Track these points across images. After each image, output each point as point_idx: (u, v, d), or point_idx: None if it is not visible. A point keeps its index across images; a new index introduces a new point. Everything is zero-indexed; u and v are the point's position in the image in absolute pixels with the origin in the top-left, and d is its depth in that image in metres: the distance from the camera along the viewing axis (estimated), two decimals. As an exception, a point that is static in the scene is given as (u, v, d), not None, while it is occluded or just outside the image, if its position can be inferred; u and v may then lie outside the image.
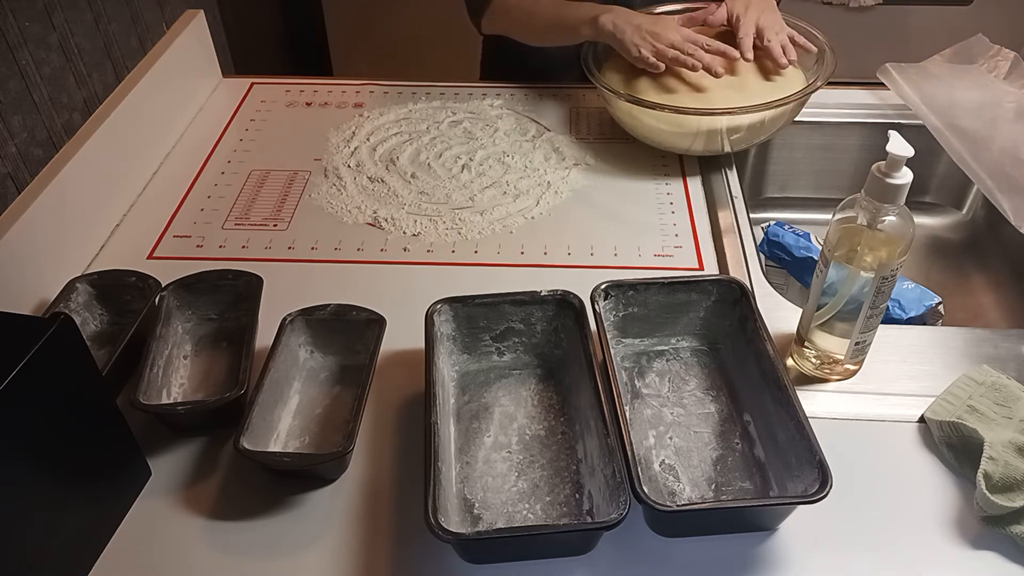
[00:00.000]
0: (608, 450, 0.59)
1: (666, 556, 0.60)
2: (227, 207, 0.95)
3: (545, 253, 0.88)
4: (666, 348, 0.75)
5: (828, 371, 0.73)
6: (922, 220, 1.14)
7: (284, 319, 0.72)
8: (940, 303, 0.89)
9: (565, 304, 0.71)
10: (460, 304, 0.71)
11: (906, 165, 0.60)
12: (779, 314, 0.79)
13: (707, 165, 1.01)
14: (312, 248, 0.89)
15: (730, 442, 0.67)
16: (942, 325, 0.90)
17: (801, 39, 0.99)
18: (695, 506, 0.62)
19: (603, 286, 0.72)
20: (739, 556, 0.60)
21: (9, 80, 0.88)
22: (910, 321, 0.87)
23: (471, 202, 0.95)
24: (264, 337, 0.72)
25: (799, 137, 1.12)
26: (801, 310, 0.74)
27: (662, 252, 0.88)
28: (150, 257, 0.88)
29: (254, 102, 1.15)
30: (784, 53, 0.96)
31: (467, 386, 0.72)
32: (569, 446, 0.67)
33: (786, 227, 1.00)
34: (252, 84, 1.19)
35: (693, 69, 0.93)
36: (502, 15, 1.11)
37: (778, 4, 1.05)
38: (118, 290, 0.77)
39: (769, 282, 0.84)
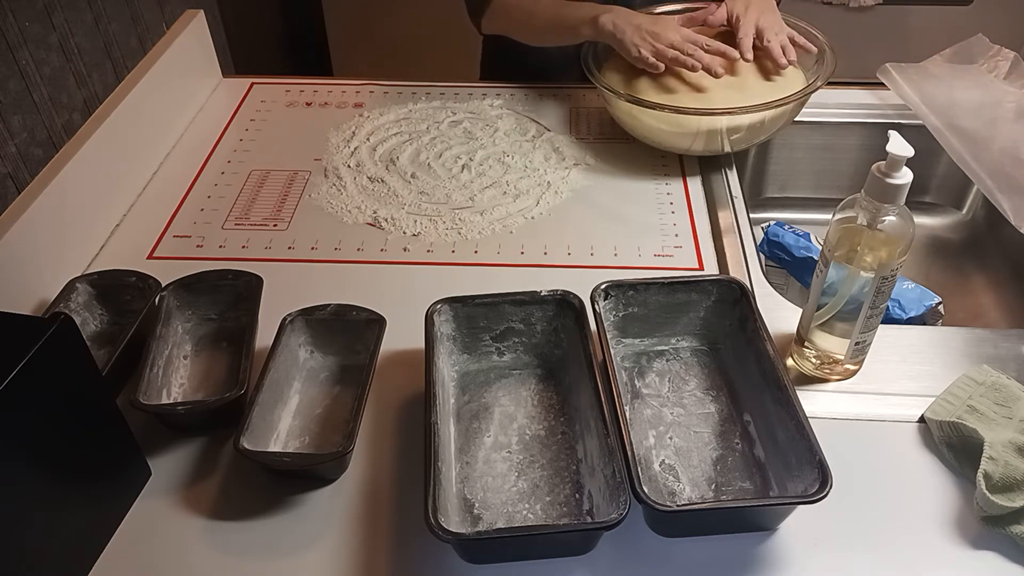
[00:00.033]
0: (608, 450, 0.59)
1: (666, 556, 0.60)
2: (227, 207, 0.95)
3: (545, 253, 0.88)
4: (666, 348, 0.75)
5: (828, 371, 0.73)
6: (922, 220, 1.14)
7: (284, 319, 0.72)
8: (940, 303, 0.89)
9: (565, 304, 0.71)
10: (460, 304, 0.71)
11: (906, 165, 0.60)
12: (779, 314, 0.79)
13: (707, 165, 1.01)
14: (312, 248, 0.89)
15: (730, 442, 0.67)
16: (942, 325, 0.90)
17: (801, 39, 0.99)
18: (695, 506, 0.62)
19: (603, 286, 0.72)
20: (739, 556, 0.60)
21: (9, 80, 0.88)
22: (910, 321, 0.87)
23: (471, 202, 0.95)
24: (264, 337, 0.72)
25: (799, 137, 1.12)
26: (801, 310, 0.74)
27: (662, 252, 0.89)
28: (150, 257, 0.88)
29: (254, 102, 1.15)
30: (784, 53, 0.96)
31: (467, 386, 0.72)
32: (569, 446, 0.67)
33: (786, 227, 1.00)
34: (252, 84, 1.19)
35: (693, 69, 0.93)
36: (502, 15, 1.11)
37: (778, 4, 1.05)
38: (118, 290, 0.77)
39: (769, 282, 0.84)
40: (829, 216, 0.66)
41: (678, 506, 0.59)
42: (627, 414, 0.65)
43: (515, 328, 0.73)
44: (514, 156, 1.02)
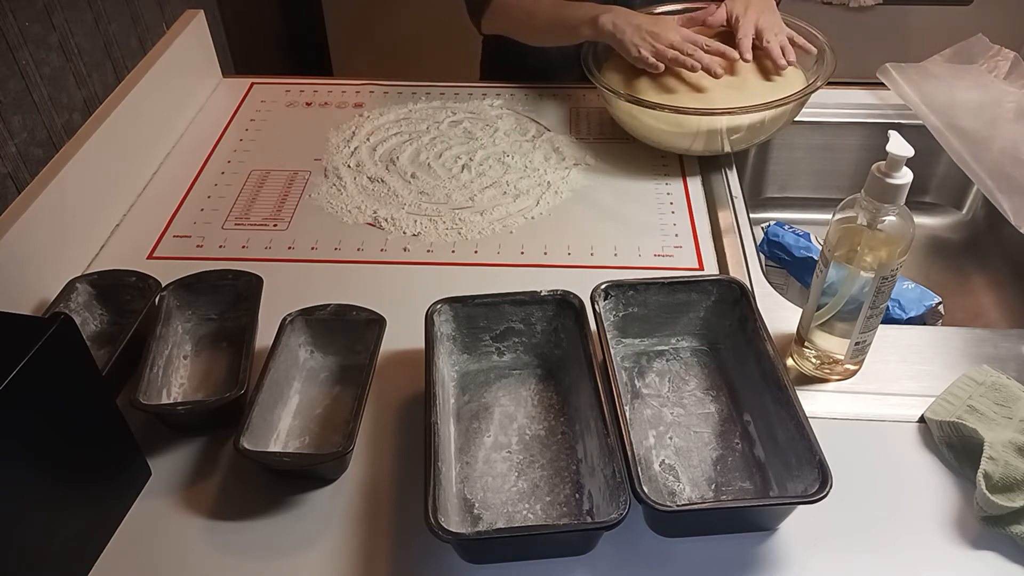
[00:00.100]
0: (608, 450, 0.59)
1: (666, 556, 0.60)
2: (227, 207, 0.95)
3: (545, 253, 0.88)
4: (666, 348, 0.75)
5: (828, 371, 0.73)
6: (922, 220, 1.14)
7: (284, 319, 0.72)
8: (940, 303, 0.89)
9: (565, 304, 0.71)
10: (460, 304, 0.71)
11: (906, 165, 0.60)
12: (779, 314, 0.79)
13: (707, 165, 1.01)
14: (312, 248, 0.89)
15: (730, 442, 0.67)
16: (942, 325, 0.90)
17: (801, 40, 0.99)
18: (695, 506, 0.62)
19: (603, 286, 0.72)
20: (739, 556, 0.60)
21: (9, 80, 0.88)
22: (910, 321, 0.87)
23: (471, 202, 0.95)
24: (264, 337, 0.72)
25: (799, 137, 1.12)
26: (801, 310, 0.74)
27: (662, 252, 0.89)
28: (150, 257, 0.88)
29: (254, 102, 1.15)
30: (783, 54, 0.96)
31: (467, 386, 0.72)
32: (569, 446, 0.67)
33: (786, 227, 1.00)
34: (252, 84, 1.19)
35: (692, 70, 0.93)
36: (502, 15, 1.11)
37: (778, 4, 1.05)
38: (118, 290, 0.77)
39: (769, 282, 0.84)
40: (829, 216, 0.66)
41: (678, 506, 0.59)
42: (627, 414, 0.65)
43: (515, 328, 0.73)
44: (514, 156, 1.02)
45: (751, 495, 0.63)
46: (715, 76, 0.93)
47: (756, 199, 1.17)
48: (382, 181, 0.99)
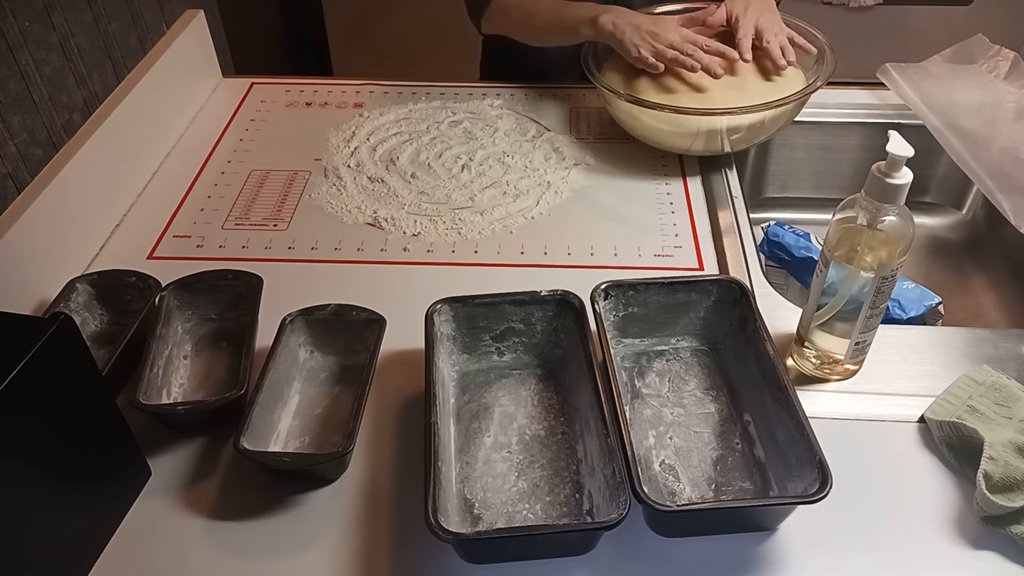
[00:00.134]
0: (608, 450, 0.59)
1: (666, 556, 0.60)
2: (227, 207, 0.95)
3: (545, 253, 0.88)
4: (666, 348, 0.75)
5: (828, 371, 0.73)
6: (922, 220, 1.14)
7: (284, 319, 0.72)
8: (940, 303, 0.89)
9: (565, 304, 0.71)
10: (460, 304, 0.71)
11: (906, 165, 0.60)
12: (779, 314, 0.79)
13: (707, 165, 1.01)
14: (312, 248, 0.89)
15: (730, 442, 0.67)
16: (942, 325, 0.90)
17: (800, 40, 0.99)
18: (695, 506, 0.62)
19: (603, 286, 0.72)
20: (739, 556, 0.60)
21: (9, 80, 0.88)
22: (910, 321, 0.87)
23: (471, 202, 0.95)
24: (264, 337, 0.72)
25: (799, 137, 1.12)
26: (801, 310, 0.74)
27: (662, 252, 0.89)
28: (150, 257, 0.88)
29: (254, 102, 1.15)
30: (783, 54, 0.96)
31: (467, 386, 0.72)
32: (569, 446, 0.67)
33: (786, 227, 1.00)
34: (252, 84, 1.19)
35: (692, 70, 0.93)
36: (502, 15, 1.11)
37: (778, 4, 1.05)
38: (118, 290, 0.77)
39: (769, 282, 0.84)
40: (829, 216, 0.66)
41: (678, 506, 0.59)
42: (627, 414, 0.65)
43: (515, 328, 0.73)
44: (514, 156, 1.02)
45: (751, 495, 0.63)
46: (715, 76, 0.93)
47: (756, 199, 1.17)
48: (382, 181, 0.99)
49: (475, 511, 0.62)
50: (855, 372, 0.74)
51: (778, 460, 0.63)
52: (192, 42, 1.12)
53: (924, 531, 0.62)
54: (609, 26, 0.97)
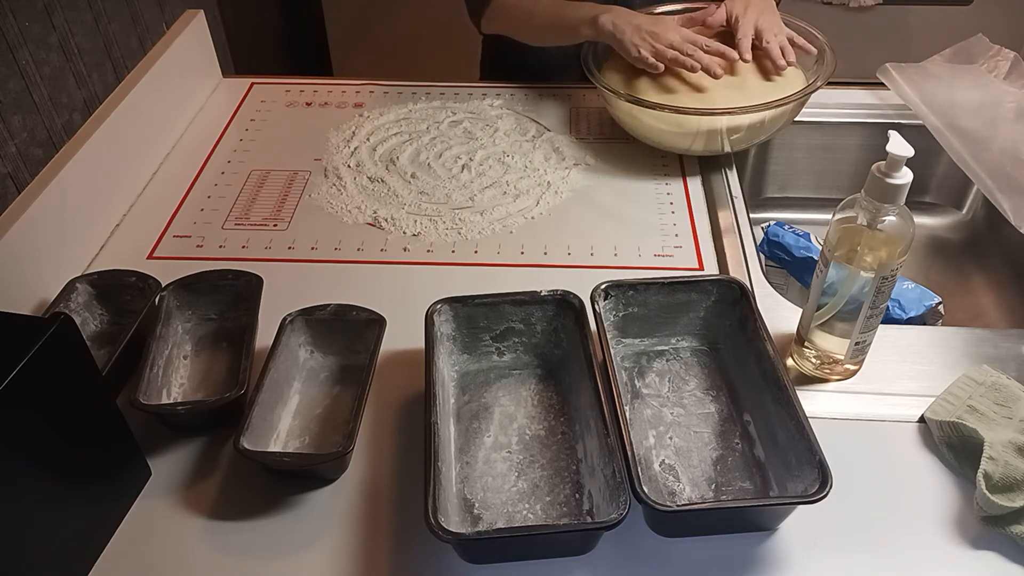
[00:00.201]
0: (608, 450, 0.59)
1: (666, 556, 0.60)
2: (227, 207, 0.95)
3: (545, 253, 0.88)
4: (666, 348, 0.75)
5: (828, 371, 0.73)
6: (922, 220, 1.14)
7: (284, 319, 0.72)
8: (940, 303, 0.89)
9: (565, 304, 0.71)
10: (460, 304, 0.71)
11: (906, 165, 0.60)
12: (779, 314, 0.79)
13: (707, 165, 1.01)
14: (312, 248, 0.89)
15: (730, 442, 0.67)
16: (942, 325, 0.90)
17: (800, 40, 0.99)
18: (695, 506, 0.62)
19: (603, 286, 0.72)
20: (739, 556, 0.60)
21: (9, 80, 0.88)
22: (910, 321, 0.87)
23: (471, 202, 0.95)
24: (264, 337, 0.72)
25: (799, 137, 1.12)
26: (801, 310, 0.74)
27: (662, 252, 0.89)
28: (150, 257, 0.88)
29: (254, 102, 1.15)
30: (783, 54, 0.96)
31: (467, 386, 0.72)
32: (569, 446, 0.67)
33: (786, 227, 1.00)
34: (252, 84, 1.19)
35: (692, 70, 0.93)
36: (502, 15, 1.11)
37: (778, 4, 1.05)
38: (118, 290, 0.77)
39: (769, 282, 0.84)
40: (829, 216, 0.66)
41: (678, 506, 0.59)
42: (627, 414, 0.65)
43: (515, 328, 0.73)
44: (514, 156, 1.02)
45: (751, 495, 0.63)
46: (715, 76, 0.93)
47: (756, 199, 1.17)
48: (382, 181, 0.99)
49: (475, 511, 0.62)
50: (855, 372, 0.74)
51: (778, 460, 0.63)
52: (192, 42, 1.12)
53: (924, 531, 0.62)
54: (609, 26, 0.97)
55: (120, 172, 0.94)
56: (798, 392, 0.64)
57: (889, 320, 0.87)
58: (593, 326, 0.69)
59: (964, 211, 1.16)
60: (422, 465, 0.58)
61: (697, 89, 0.95)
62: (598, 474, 0.60)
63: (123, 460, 0.64)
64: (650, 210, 0.95)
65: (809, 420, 0.61)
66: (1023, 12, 1.86)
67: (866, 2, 1.86)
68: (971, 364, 0.74)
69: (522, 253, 0.88)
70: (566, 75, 1.16)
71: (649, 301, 0.73)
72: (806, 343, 0.72)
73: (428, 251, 0.89)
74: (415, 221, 0.92)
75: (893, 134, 0.60)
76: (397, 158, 1.03)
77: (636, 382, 0.72)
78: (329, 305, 0.73)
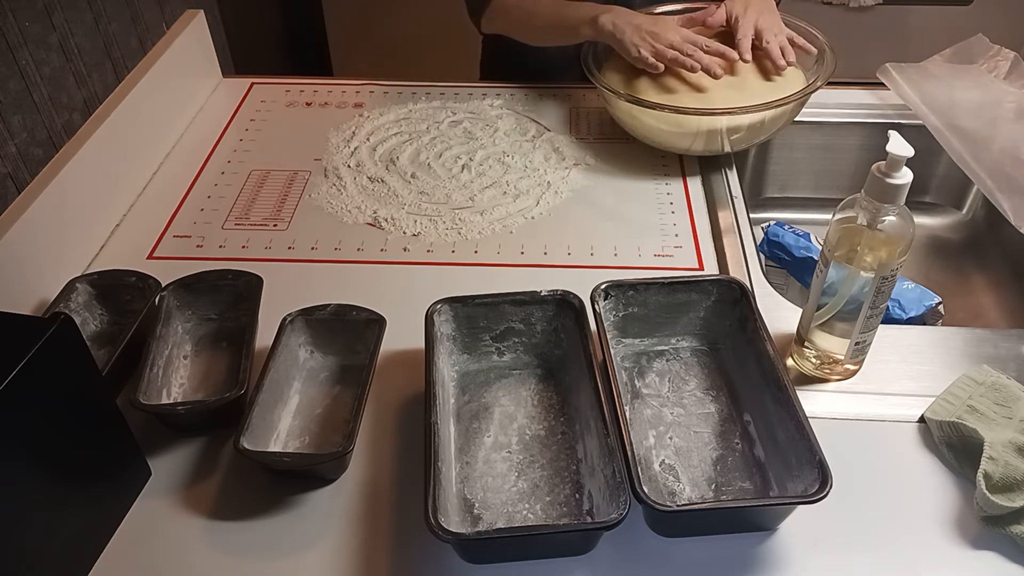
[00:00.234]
0: (608, 450, 0.59)
1: (666, 556, 0.60)
2: (227, 207, 0.95)
3: (545, 253, 0.88)
4: (666, 348, 0.75)
5: (828, 371, 0.73)
6: (922, 220, 1.14)
7: (284, 319, 0.72)
8: (940, 303, 0.89)
9: (565, 304, 0.71)
10: (460, 304, 0.71)
11: (906, 165, 0.60)
12: (779, 314, 0.79)
13: (707, 165, 1.01)
14: (312, 248, 0.89)
15: (730, 442, 0.67)
16: (942, 325, 0.90)
17: (800, 40, 0.99)
18: (695, 506, 0.62)
19: (603, 286, 0.72)
20: (739, 556, 0.60)
21: (9, 80, 0.88)
22: (910, 321, 0.87)
23: (471, 202, 0.95)
24: (264, 337, 0.72)
25: (799, 137, 1.12)
26: (801, 310, 0.74)
27: (662, 252, 0.89)
28: (150, 257, 0.88)
29: (254, 102, 1.15)
30: (783, 54, 0.96)
31: (467, 386, 0.72)
32: (569, 446, 0.67)
33: (786, 227, 1.00)
34: (252, 84, 1.19)
35: (692, 70, 0.93)
36: (502, 15, 1.11)
37: (778, 4, 1.05)
38: (118, 290, 0.77)
39: (769, 282, 0.84)
40: (829, 216, 0.66)
41: (678, 506, 0.59)
42: (627, 414, 0.65)
43: (515, 328, 0.73)
44: (514, 156, 1.02)
45: (751, 495, 0.63)
46: (715, 77, 0.93)
47: (756, 199, 1.17)
48: (382, 181, 0.99)
49: (475, 511, 0.62)
50: (855, 372, 0.74)
51: (778, 460, 0.63)
52: (192, 42, 1.12)
53: (924, 531, 0.62)
54: (609, 26, 0.97)
55: (120, 172, 0.94)
56: (798, 392, 0.64)
57: (889, 320, 0.87)
58: (593, 326, 0.69)
59: (964, 211, 1.16)
60: (422, 465, 0.58)
61: (697, 89, 0.95)
62: (598, 474, 0.60)
63: (123, 460, 0.64)
64: (650, 210, 0.95)
65: (809, 420, 0.61)
66: (1023, 12, 1.86)
67: (866, 2, 1.86)
68: (971, 364, 0.74)
69: (522, 253, 0.88)
70: (566, 75, 1.16)
71: (649, 301, 0.73)
72: (806, 343, 0.72)
73: (428, 251, 0.89)
74: (415, 221, 0.92)
75: (893, 134, 0.60)
76: (397, 158, 1.03)
77: (636, 382, 0.72)
78: (329, 305, 0.73)
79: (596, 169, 1.01)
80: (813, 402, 0.71)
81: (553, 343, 0.73)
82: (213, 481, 0.66)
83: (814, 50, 0.99)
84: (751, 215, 0.94)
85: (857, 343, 0.69)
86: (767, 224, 1.02)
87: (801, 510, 0.59)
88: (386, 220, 0.92)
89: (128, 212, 0.95)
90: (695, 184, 0.99)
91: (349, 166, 1.01)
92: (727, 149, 0.99)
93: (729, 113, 0.92)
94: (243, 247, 0.89)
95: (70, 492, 0.58)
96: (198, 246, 0.89)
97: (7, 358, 0.50)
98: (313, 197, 0.97)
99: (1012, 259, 1.04)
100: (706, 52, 0.94)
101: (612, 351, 0.68)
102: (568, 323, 0.71)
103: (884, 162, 0.60)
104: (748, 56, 0.95)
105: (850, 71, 1.21)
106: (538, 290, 0.72)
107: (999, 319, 1.01)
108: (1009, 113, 1.06)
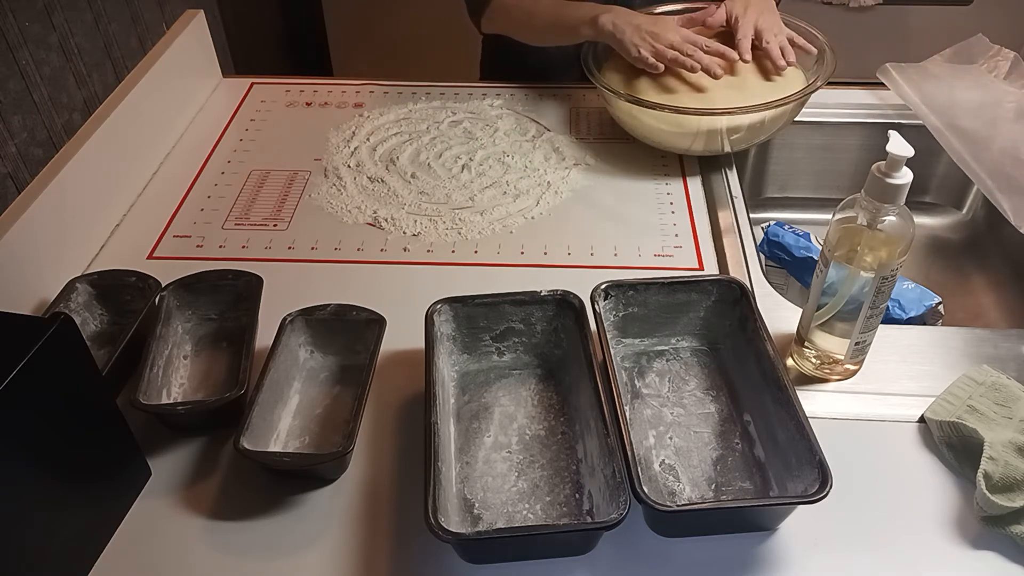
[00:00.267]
0: (608, 450, 0.59)
1: (666, 556, 0.60)
2: (227, 207, 0.95)
3: (545, 253, 0.88)
4: (666, 348, 0.75)
5: (828, 371, 0.73)
6: (922, 220, 1.14)
7: (284, 319, 0.72)
8: (940, 303, 0.89)
9: (565, 304, 0.71)
10: (460, 304, 0.71)
11: (906, 165, 0.60)
12: (779, 314, 0.79)
13: (707, 165, 1.01)
14: (312, 248, 0.89)
15: (730, 442, 0.67)
16: (942, 325, 0.90)
17: (800, 40, 0.99)
18: (695, 506, 0.62)
19: (603, 286, 0.72)
20: (739, 556, 0.60)
21: (9, 80, 0.88)
22: (910, 321, 0.87)
23: (471, 202, 0.95)
24: (264, 337, 0.72)
25: (799, 137, 1.12)
26: (801, 310, 0.74)
27: (662, 252, 0.89)
28: (150, 257, 0.88)
29: (254, 102, 1.15)
30: (783, 55, 0.96)
31: (467, 386, 0.72)
32: (569, 446, 0.67)
33: (786, 227, 1.00)
34: (252, 84, 1.19)
35: (692, 70, 0.93)
36: (502, 15, 1.11)
37: (778, 5, 1.05)
38: (118, 290, 0.77)
39: (769, 282, 0.84)
40: (829, 216, 0.66)
41: (678, 506, 0.59)
42: (627, 414, 0.65)
43: (515, 328, 0.73)
44: (514, 156, 1.02)
45: (751, 495, 0.63)
46: (715, 77, 0.93)
47: (756, 199, 1.17)
48: (382, 181, 0.99)
49: (475, 511, 0.62)
50: (855, 372, 0.74)
51: (778, 460, 0.63)
52: (192, 42, 1.12)
53: (924, 531, 0.62)
54: (609, 26, 0.97)
55: (120, 172, 0.94)
56: (798, 392, 0.64)
57: (889, 320, 0.87)
58: (593, 326, 0.69)
59: (964, 211, 1.16)
60: (422, 465, 0.58)
61: (697, 89, 0.95)
62: (598, 474, 0.60)
63: (123, 460, 0.64)
64: (650, 210, 0.95)
65: (809, 420, 0.61)
66: (1023, 12, 1.86)
67: (866, 2, 1.86)
68: (971, 364, 0.74)
69: (522, 253, 0.88)
70: (566, 75, 1.16)
71: (649, 301, 0.73)
72: (806, 343, 0.72)
73: (428, 251, 0.89)
74: (415, 221, 0.92)
75: (893, 134, 0.60)
76: (397, 158, 1.03)
77: (636, 382, 0.72)
78: (329, 305, 0.73)
79: (596, 169, 1.01)
80: (813, 402, 0.71)
81: (553, 343, 0.73)
82: (213, 481, 0.66)
83: (814, 50, 0.99)
84: (751, 215, 0.94)
85: (857, 343, 0.69)
86: (767, 224, 1.02)
87: (801, 510, 0.59)
88: (386, 220, 0.92)
89: (128, 212, 0.95)
90: (695, 184, 0.99)
91: (349, 166, 1.01)
92: (727, 149, 0.99)
93: (729, 113, 0.92)
94: (243, 247, 0.89)
95: (70, 492, 0.58)
96: (198, 246, 0.89)
97: (7, 358, 0.50)
98: (313, 197, 0.97)
99: (1012, 259, 1.04)
100: (706, 52, 0.94)
101: (612, 351, 0.68)
102: (568, 323, 0.71)
103: (884, 162, 0.60)
104: (748, 56, 0.95)
105: (850, 71, 1.21)
106: (538, 290, 0.72)
107: (999, 319, 1.01)
108: (1009, 113, 1.06)
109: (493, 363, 0.74)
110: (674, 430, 0.68)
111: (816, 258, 0.82)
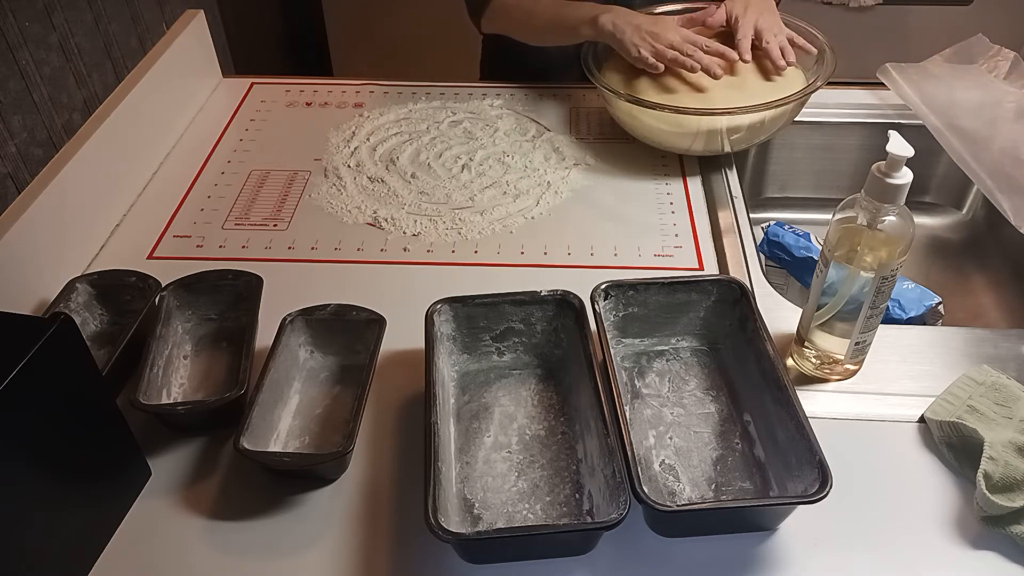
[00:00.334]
0: (608, 450, 0.59)
1: (666, 556, 0.60)
2: (227, 207, 0.95)
3: (545, 253, 0.88)
4: (666, 348, 0.75)
5: (828, 371, 0.73)
6: (922, 220, 1.14)
7: (284, 319, 0.72)
8: (940, 303, 0.89)
9: (565, 304, 0.71)
10: (460, 304, 0.71)
11: (906, 165, 0.60)
12: (779, 314, 0.79)
13: (707, 165, 1.01)
14: (312, 248, 0.89)
15: (730, 442, 0.67)
16: (942, 325, 0.90)
17: (800, 40, 0.99)
18: (695, 506, 0.62)
19: (603, 286, 0.72)
20: (739, 556, 0.60)
21: (9, 80, 0.88)
22: (910, 321, 0.87)
23: (471, 202, 0.95)
24: (264, 337, 0.72)
25: (799, 137, 1.12)
26: (801, 310, 0.74)
27: (662, 252, 0.89)
28: (150, 257, 0.88)
29: (254, 102, 1.15)
30: (783, 55, 0.96)
31: (467, 386, 0.72)
32: (569, 446, 0.67)
33: (786, 227, 1.00)
34: (252, 84, 1.19)
35: (692, 70, 0.93)
36: (502, 15, 1.11)
37: (778, 5, 1.05)
38: (118, 290, 0.77)
39: (769, 282, 0.84)
40: (829, 216, 0.66)
41: (678, 506, 0.59)
42: (627, 414, 0.65)
43: (515, 328, 0.73)
44: (514, 156, 1.02)
45: (751, 495, 0.63)
46: (714, 77, 0.93)
47: (756, 199, 1.17)
48: (382, 181, 0.99)
49: (475, 511, 0.62)
50: (855, 372, 0.74)
51: (778, 460, 0.63)
52: (192, 42, 1.12)
53: (924, 531, 0.62)
54: (609, 26, 0.97)
55: (120, 172, 0.94)
56: (798, 392, 0.64)
57: (889, 320, 0.87)
58: (593, 326, 0.69)
59: (964, 211, 1.16)
60: (422, 465, 0.58)
61: (697, 89, 0.95)
62: (598, 474, 0.60)
63: (123, 460, 0.64)
64: (650, 210, 0.95)
65: (809, 420, 0.61)
66: (1023, 12, 1.86)
67: (866, 2, 1.86)
68: (971, 364, 0.74)
69: (522, 253, 0.88)
70: (566, 75, 1.16)
71: (649, 301, 0.73)
72: (806, 343, 0.72)
73: (428, 251, 0.89)
74: (415, 221, 0.92)
75: (893, 134, 0.60)
76: (397, 158, 1.03)
77: (636, 382, 0.72)
78: (329, 305, 0.73)
79: (596, 169, 1.01)
80: (813, 402, 0.71)
81: (553, 343, 0.73)
82: (213, 481, 0.66)
83: (814, 50, 0.99)
84: (751, 215, 0.94)
85: (857, 343, 0.69)
86: (767, 224, 1.02)
87: (801, 510, 0.59)
88: (386, 220, 0.92)
89: (128, 212, 0.95)
90: (695, 184, 0.99)
91: (349, 166, 1.01)
92: (727, 149, 0.99)
93: (729, 113, 0.92)
94: (243, 247, 0.89)
95: (70, 492, 0.58)
96: (198, 246, 0.89)
97: (7, 358, 0.50)
98: (313, 197, 0.97)
99: (1012, 259, 1.04)
100: (706, 52, 0.94)
101: (612, 351, 0.68)
102: (568, 323, 0.71)
103: (884, 162, 0.60)
104: (748, 56, 0.95)
105: (850, 71, 1.21)
106: (538, 290, 0.72)
107: (999, 319, 1.01)
108: (1009, 113, 1.06)
109: (493, 363, 0.74)
110: (674, 430, 0.68)
111: (816, 258, 0.82)
